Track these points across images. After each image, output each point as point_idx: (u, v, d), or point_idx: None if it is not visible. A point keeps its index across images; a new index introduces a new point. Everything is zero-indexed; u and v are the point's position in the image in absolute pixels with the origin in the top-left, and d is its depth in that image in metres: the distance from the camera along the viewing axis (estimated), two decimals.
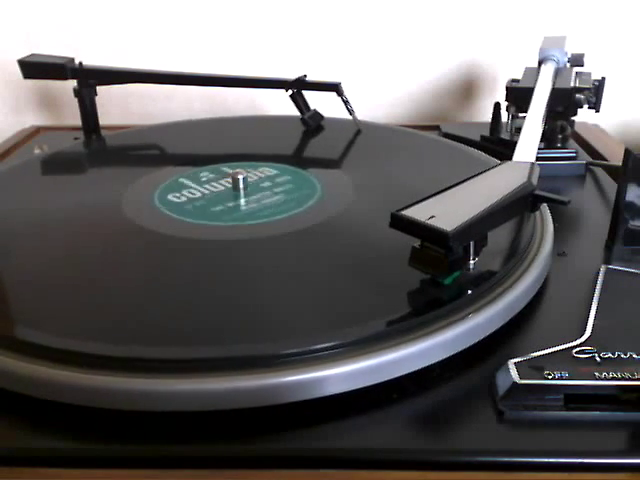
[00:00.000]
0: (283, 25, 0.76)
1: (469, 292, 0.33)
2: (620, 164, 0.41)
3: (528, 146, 0.46)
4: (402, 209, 0.33)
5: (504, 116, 0.59)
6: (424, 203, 0.34)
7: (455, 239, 0.31)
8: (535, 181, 0.38)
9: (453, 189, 0.36)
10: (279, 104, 0.65)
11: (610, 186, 0.53)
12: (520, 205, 0.37)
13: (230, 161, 0.53)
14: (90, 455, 0.28)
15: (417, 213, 0.33)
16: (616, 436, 0.28)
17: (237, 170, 0.47)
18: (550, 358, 0.30)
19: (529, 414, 0.29)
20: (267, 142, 0.58)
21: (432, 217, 0.32)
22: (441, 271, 0.33)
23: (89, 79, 0.61)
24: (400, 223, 0.33)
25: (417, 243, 0.33)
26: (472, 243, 0.34)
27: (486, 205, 0.34)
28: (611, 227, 0.43)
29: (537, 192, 0.37)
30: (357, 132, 0.59)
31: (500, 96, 0.59)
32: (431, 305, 0.32)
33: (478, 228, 0.33)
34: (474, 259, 0.35)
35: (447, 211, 0.33)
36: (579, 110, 0.56)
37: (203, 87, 0.63)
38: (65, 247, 0.40)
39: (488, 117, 0.61)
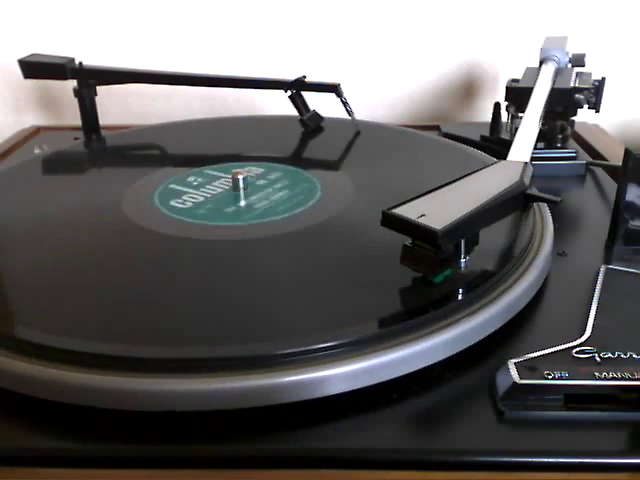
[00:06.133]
0: (283, 26, 0.76)
1: (460, 292, 0.33)
2: (620, 164, 0.41)
3: (523, 146, 0.46)
4: (393, 207, 0.34)
5: (504, 116, 0.59)
6: (415, 201, 0.34)
7: (444, 237, 0.31)
8: (527, 181, 0.38)
9: (445, 188, 0.36)
10: (279, 104, 0.64)
11: (610, 186, 0.53)
12: (512, 204, 0.37)
13: (230, 161, 0.53)
14: (90, 455, 0.28)
15: (408, 211, 0.33)
16: (616, 436, 0.28)
17: (237, 170, 0.47)
18: (550, 358, 0.30)
19: (529, 414, 0.29)
20: (267, 142, 0.58)
21: (422, 215, 0.32)
22: (431, 269, 0.33)
23: (89, 79, 0.61)
24: (391, 221, 0.33)
25: (409, 241, 0.33)
26: (463, 241, 0.34)
27: (477, 204, 0.34)
28: (611, 227, 0.43)
29: (529, 191, 0.37)
30: (357, 133, 0.59)
31: (501, 96, 0.59)
32: (431, 305, 0.32)
33: (468, 227, 0.34)
34: (465, 257, 0.35)
35: (438, 209, 0.33)
36: (579, 110, 0.56)
37: (203, 87, 0.63)
38: (65, 247, 0.40)
39: (488, 117, 0.61)
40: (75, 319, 0.33)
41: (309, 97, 0.61)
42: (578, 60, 0.62)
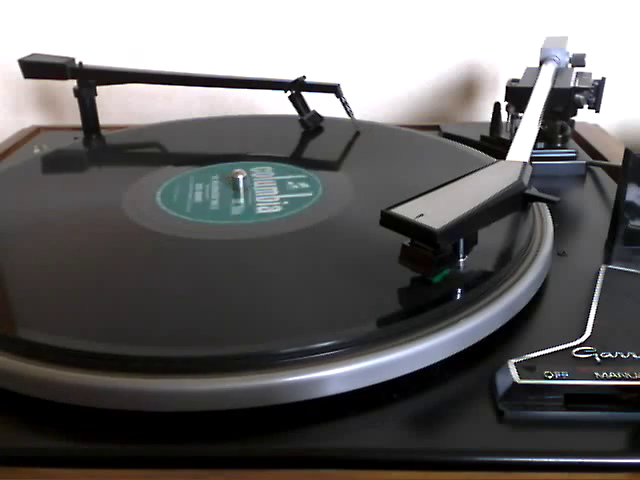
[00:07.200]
0: (283, 26, 0.76)
1: (460, 292, 0.33)
2: (620, 164, 0.41)
3: (523, 145, 0.46)
4: (392, 207, 0.34)
5: (504, 116, 0.59)
6: (414, 201, 0.34)
7: (443, 237, 0.31)
8: (526, 180, 0.38)
9: (444, 187, 0.36)
10: (279, 105, 0.64)
11: (610, 186, 0.53)
12: (511, 204, 0.37)
13: (230, 161, 0.53)
14: (90, 455, 0.28)
15: (406, 211, 0.33)
16: (616, 436, 0.28)
17: (237, 170, 0.47)
18: (550, 358, 0.30)
19: (529, 414, 0.29)
20: (267, 142, 0.58)
21: (421, 215, 0.32)
22: (430, 269, 0.33)
23: (89, 79, 0.61)
24: (390, 221, 0.33)
25: (407, 241, 0.33)
26: (461, 241, 0.34)
27: (476, 204, 0.34)
28: (611, 227, 0.43)
29: (528, 191, 0.37)
30: (357, 133, 0.59)
31: (501, 96, 0.59)
32: (430, 305, 0.32)
33: (467, 227, 0.34)
34: (464, 257, 0.35)
35: (436, 209, 0.33)
36: (579, 110, 0.56)
37: (203, 87, 0.63)
38: (65, 247, 0.40)
39: (488, 117, 0.61)
40: (75, 319, 0.33)
41: (309, 97, 0.61)
42: (578, 60, 0.62)
